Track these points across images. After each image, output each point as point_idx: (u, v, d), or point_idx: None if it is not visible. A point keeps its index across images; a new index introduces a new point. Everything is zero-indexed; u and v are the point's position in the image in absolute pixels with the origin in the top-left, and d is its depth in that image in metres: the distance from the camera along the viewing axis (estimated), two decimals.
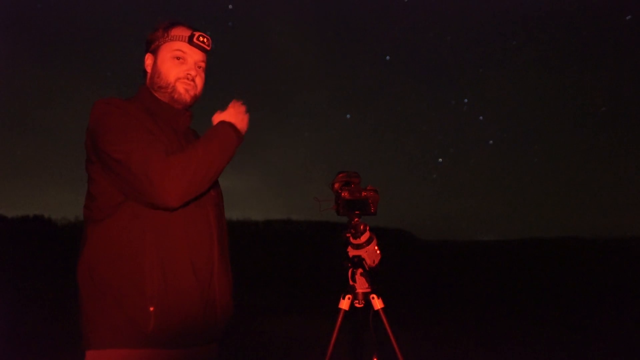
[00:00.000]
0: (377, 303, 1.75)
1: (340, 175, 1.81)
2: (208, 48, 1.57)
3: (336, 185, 1.81)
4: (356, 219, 1.77)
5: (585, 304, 8.86)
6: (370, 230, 1.78)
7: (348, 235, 1.78)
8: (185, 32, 1.54)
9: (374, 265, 1.78)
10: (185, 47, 1.53)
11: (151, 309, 1.33)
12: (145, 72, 1.58)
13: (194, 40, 1.53)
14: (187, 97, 1.53)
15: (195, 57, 1.54)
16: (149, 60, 1.57)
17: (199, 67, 1.57)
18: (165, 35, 1.54)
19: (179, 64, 1.52)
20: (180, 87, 1.52)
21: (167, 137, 1.44)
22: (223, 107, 1.56)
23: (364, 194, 1.76)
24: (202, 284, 1.42)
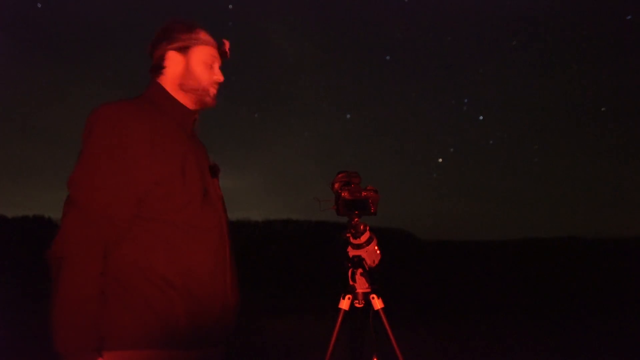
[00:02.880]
0: (377, 303, 1.75)
1: (340, 175, 1.81)
2: (228, 58, 1.61)
3: (336, 185, 1.81)
4: (356, 219, 1.77)
5: (585, 304, 8.86)
6: (370, 230, 1.78)
7: (348, 235, 1.78)
8: (211, 38, 1.57)
9: (374, 265, 1.78)
10: (215, 53, 1.57)
11: (179, 311, 1.34)
12: (158, 67, 1.53)
13: (224, 49, 1.58)
14: (214, 102, 1.57)
15: (219, 64, 1.59)
16: (176, 58, 1.53)
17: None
18: (196, 37, 1.54)
19: (209, 69, 1.55)
20: (212, 92, 1.56)
21: (176, 138, 1.44)
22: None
23: (364, 194, 1.76)
24: (219, 284, 1.44)
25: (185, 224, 1.38)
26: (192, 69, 1.53)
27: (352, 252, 1.78)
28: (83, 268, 1.28)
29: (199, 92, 1.54)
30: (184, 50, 1.53)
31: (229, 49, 1.60)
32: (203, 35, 1.56)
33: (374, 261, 1.78)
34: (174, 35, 1.54)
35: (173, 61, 1.53)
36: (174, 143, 1.43)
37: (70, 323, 1.26)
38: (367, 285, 1.78)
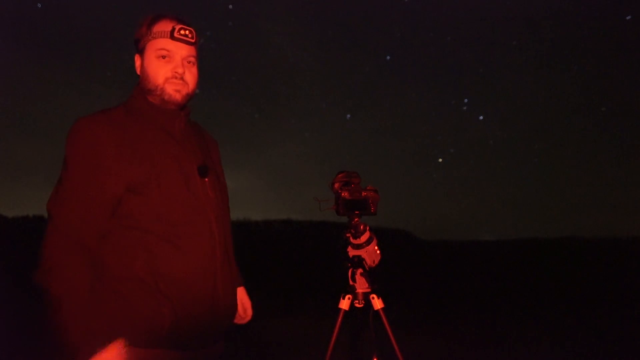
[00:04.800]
0: (377, 303, 1.75)
1: (340, 175, 1.81)
2: (192, 41, 1.47)
3: (336, 185, 1.81)
4: (356, 219, 1.77)
5: (585, 304, 8.86)
6: (370, 230, 1.78)
7: (348, 235, 1.78)
8: (167, 27, 1.45)
9: (374, 265, 1.78)
10: (169, 43, 1.44)
11: (165, 310, 1.34)
12: (137, 73, 1.52)
13: (175, 34, 1.44)
14: (177, 98, 1.46)
15: (181, 52, 1.46)
16: (137, 61, 1.50)
17: (189, 62, 1.48)
18: (149, 32, 1.46)
19: (165, 63, 1.44)
20: (169, 88, 1.45)
21: (151, 143, 1.42)
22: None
23: (364, 194, 1.76)
24: (207, 288, 1.42)
25: (164, 231, 1.36)
26: (144, 69, 1.47)
27: (352, 252, 1.78)
28: (72, 273, 1.27)
29: (157, 91, 1.45)
30: (142, 51, 1.48)
31: (182, 32, 1.44)
32: (157, 28, 1.45)
33: (374, 261, 1.78)
34: (136, 37, 1.50)
35: (137, 65, 1.50)
36: (151, 148, 1.40)
37: (75, 319, 1.25)
38: (367, 285, 1.78)
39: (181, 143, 1.49)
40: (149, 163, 1.38)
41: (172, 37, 1.44)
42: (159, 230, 1.36)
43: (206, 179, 1.49)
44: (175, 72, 1.45)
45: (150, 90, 1.46)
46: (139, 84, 1.51)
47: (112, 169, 1.34)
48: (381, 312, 1.74)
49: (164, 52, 1.44)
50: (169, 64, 1.45)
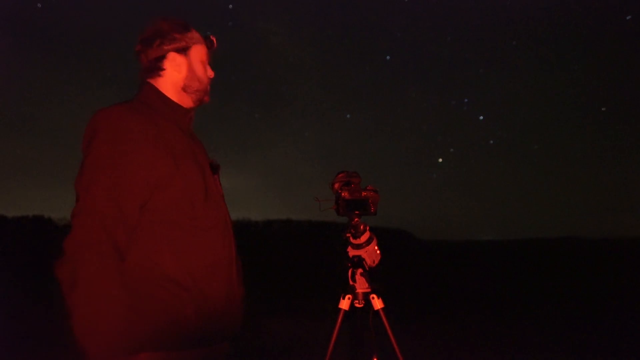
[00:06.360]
0: (377, 303, 1.75)
1: (340, 175, 1.82)
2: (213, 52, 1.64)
3: (336, 185, 1.81)
4: (356, 219, 1.77)
5: (585, 304, 8.86)
6: (370, 230, 1.79)
7: (348, 235, 1.78)
8: (200, 35, 1.58)
9: (374, 265, 1.79)
10: (206, 50, 1.59)
11: (188, 311, 1.34)
12: (155, 68, 1.51)
13: (214, 47, 1.60)
14: (208, 100, 1.61)
15: (209, 59, 1.61)
16: (177, 59, 1.52)
17: None
18: (191, 36, 1.55)
19: (205, 68, 1.58)
20: (208, 89, 1.59)
21: (173, 138, 1.43)
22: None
23: (364, 194, 1.76)
24: (225, 281, 1.45)
25: (188, 224, 1.39)
26: (194, 70, 1.54)
27: (352, 252, 1.78)
28: (103, 269, 1.24)
29: (201, 92, 1.56)
30: (184, 51, 1.53)
31: (216, 46, 1.61)
32: (197, 34, 1.57)
33: (374, 261, 1.78)
34: (172, 35, 1.51)
35: (174, 63, 1.51)
36: (174, 143, 1.42)
37: (103, 324, 1.22)
38: (367, 285, 1.78)
39: (192, 140, 1.54)
40: (172, 156, 1.41)
41: (210, 48, 1.60)
42: (183, 223, 1.38)
43: (216, 176, 1.56)
44: (211, 77, 1.60)
45: (198, 90, 1.55)
46: (155, 80, 1.53)
47: (145, 163, 1.34)
48: (381, 312, 1.74)
49: (206, 58, 1.59)
50: (207, 68, 1.60)
